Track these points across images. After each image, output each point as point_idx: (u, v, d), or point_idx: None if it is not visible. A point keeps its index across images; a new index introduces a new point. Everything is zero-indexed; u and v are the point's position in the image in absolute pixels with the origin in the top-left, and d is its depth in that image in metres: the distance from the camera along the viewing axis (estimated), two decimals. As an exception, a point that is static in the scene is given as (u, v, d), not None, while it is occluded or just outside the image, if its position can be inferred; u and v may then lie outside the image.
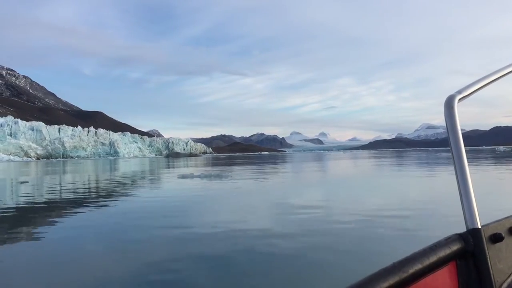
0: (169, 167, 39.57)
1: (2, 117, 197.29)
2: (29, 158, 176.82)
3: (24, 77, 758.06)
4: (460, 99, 1.28)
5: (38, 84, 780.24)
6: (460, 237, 1.11)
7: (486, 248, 1.14)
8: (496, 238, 1.19)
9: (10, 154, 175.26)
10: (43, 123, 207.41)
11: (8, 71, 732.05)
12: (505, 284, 1.16)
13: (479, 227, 1.14)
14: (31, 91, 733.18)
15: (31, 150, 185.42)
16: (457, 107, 1.26)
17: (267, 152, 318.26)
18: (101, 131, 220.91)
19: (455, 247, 1.10)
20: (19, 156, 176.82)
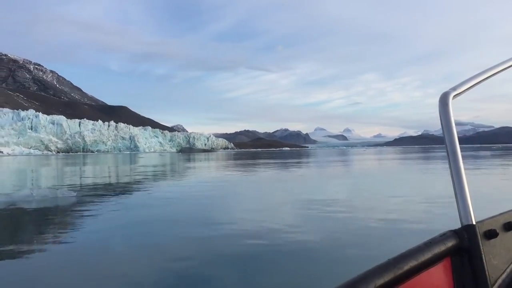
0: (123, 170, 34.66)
1: (23, 110, 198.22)
2: (49, 152, 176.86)
3: (51, 71, 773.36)
4: (455, 96, 1.33)
5: (65, 79, 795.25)
6: (454, 233, 1.11)
7: (480, 245, 1.19)
8: (490, 234, 1.27)
9: (30, 148, 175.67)
10: (64, 117, 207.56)
11: (36, 66, 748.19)
12: (499, 280, 1.15)
13: (474, 223, 1.14)
14: (57, 85, 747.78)
15: (51, 144, 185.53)
16: (452, 103, 1.30)
17: (288, 148, 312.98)
18: (121, 125, 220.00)
19: (449, 243, 1.24)
20: (39, 150, 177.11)
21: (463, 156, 1.25)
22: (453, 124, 1.36)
